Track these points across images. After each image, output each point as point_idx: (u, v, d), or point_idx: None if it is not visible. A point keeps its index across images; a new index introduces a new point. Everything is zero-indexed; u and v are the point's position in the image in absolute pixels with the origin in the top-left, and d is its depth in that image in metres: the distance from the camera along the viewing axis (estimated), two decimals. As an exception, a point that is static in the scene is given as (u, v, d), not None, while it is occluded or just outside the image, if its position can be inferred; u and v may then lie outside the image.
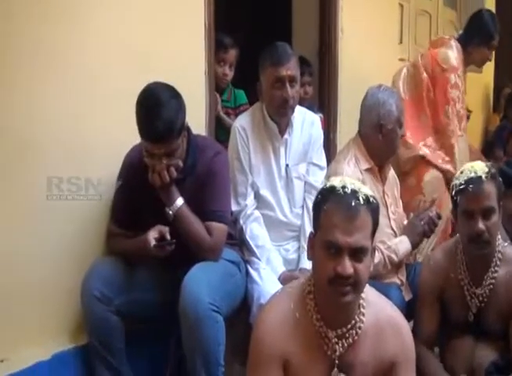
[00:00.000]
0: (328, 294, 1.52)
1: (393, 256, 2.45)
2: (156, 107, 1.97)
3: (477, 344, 2.16)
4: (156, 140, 2.00)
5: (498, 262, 2.13)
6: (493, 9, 5.30)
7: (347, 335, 1.57)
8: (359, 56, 3.67)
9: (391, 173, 2.67)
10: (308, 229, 2.37)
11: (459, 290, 2.18)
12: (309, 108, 3.49)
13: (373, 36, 3.80)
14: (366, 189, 1.55)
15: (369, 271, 1.54)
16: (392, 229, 2.56)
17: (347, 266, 1.47)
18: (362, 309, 1.59)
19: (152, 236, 2.06)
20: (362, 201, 1.50)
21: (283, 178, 2.49)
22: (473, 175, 2.06)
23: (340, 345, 1.57)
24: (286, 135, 2.50)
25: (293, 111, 2.45)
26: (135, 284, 2.17)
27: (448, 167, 3.05)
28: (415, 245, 2.54)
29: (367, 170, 2.50)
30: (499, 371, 2.06)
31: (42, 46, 2.10)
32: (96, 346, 2.11)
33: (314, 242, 1.57)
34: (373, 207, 1.53)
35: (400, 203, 2.74)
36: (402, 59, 4.27)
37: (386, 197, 2.56)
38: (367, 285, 1.66)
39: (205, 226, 2.14)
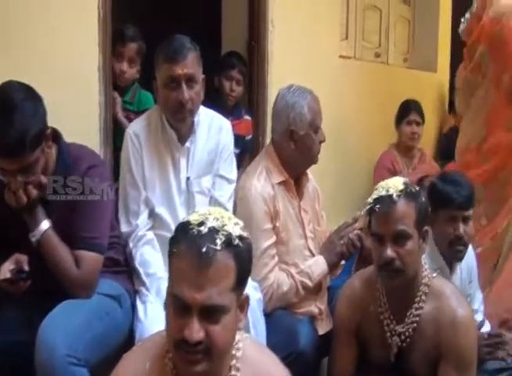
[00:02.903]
0: (176, 359, 1.20)
1: (306, 281, 2.15)
2: (4, 113, 1.62)
3: (401, 389, 1.87)
4: (4, 154, 1.64)
5: (423, 297, 1.85)
6: (449, 6, 5.06)
7: None
8: (293, 51, 3.33)
9: (312, 185, 2.36)
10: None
11: (379, 326, 1.89)
12: (237, 109, 3.18)
13: (309, 30, 3.46)
14: (236, 226, 1.21)
15: (232, 333, 1.22)
16: (310, 251, 2.24)
17: (195, 330, 1.14)
18: (233, 372, 1.28)
19: (7, 267, 1.71)
20: (219, 245, 1.16)
21: (183, 193, 2.13)
22: (384, 193, 1.77)
23: None
24: (187, 144, 2.14)
25: (192, 116, 2.09)
26: (-2, 324, 1.81)
27: None
28: (332, 266, 2.23)
29: (281, 183, 2.19)
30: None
31: None
32: None
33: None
34: (237, 251, 1.19)
35: (323, 219, 2.42)
36: (344, 57, 3.96)
37: (303, 213, 2.25)
38: (248, 339, 1.36)
39: (74, 256, 1.79)
